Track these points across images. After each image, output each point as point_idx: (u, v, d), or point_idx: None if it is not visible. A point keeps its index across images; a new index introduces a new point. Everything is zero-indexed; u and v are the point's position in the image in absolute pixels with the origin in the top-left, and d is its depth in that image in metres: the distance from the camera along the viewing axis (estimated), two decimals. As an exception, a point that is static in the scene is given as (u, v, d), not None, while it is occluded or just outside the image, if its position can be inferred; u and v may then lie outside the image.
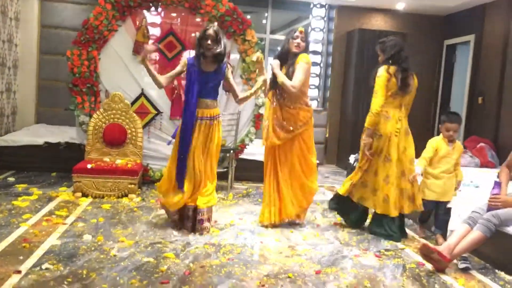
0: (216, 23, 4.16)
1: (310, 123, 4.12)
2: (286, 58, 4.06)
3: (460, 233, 3.35)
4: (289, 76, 3.94)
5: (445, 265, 3.26)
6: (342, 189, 4.18)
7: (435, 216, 4.11)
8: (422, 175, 4.05)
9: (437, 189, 4.01)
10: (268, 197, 4.12)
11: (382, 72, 3.87)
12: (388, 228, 3.95)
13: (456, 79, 7.93)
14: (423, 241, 3.85)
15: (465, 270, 3.35)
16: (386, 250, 3.70)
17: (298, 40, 4.00)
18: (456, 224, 3.56)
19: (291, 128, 4.03)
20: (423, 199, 4.01)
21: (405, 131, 3.96)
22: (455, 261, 3.37)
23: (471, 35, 7.26)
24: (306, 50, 4.07)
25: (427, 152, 4.05)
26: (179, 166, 3.78)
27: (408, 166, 3.94)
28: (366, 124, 3.92)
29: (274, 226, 4.09)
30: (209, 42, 3.69)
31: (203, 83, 3.78)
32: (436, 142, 4.06)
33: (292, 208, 4.09)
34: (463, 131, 7.32)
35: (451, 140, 4.04)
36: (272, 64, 4.06)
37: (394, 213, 3.90)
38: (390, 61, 3.92)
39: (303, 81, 3.95)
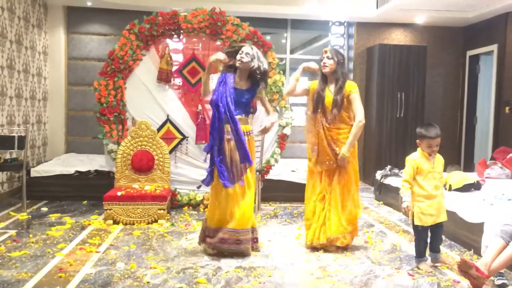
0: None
1: (355, 146, 4.09)
2: (326, 80, 4.12)
3: (496, 248, 3.26)
4: (338, 103, 3.98)
5: (482, 282, 3.18)
6: None
7: (432, 240, 3.70)
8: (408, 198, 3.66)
9: (433, 211, 3.57)
10: (314, 217, 4.06)
11: None
12: None
13: (481, 90, 7.83)
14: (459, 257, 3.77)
15: (502, 287, 3.27)
16: (420, 268, 3.63)
17: (325, 60, 4.05)
18: (490, 239, 3.48)
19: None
20: (418, 228, 3.63)
21: None
22: (491, 277, 3.29)
23: (493, 44, 7.19)
24: (341, 64, 4.08)
25: (407, 174, 3.62)
26: None
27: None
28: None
29: (322, 246, 4.02)
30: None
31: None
32: (415, 161, 3.61)
33: (337, 228, 3.99)
34: (491, 142, 7.19)
35: (431, 154, 3.67)
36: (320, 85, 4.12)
37: None
38: None
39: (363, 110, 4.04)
